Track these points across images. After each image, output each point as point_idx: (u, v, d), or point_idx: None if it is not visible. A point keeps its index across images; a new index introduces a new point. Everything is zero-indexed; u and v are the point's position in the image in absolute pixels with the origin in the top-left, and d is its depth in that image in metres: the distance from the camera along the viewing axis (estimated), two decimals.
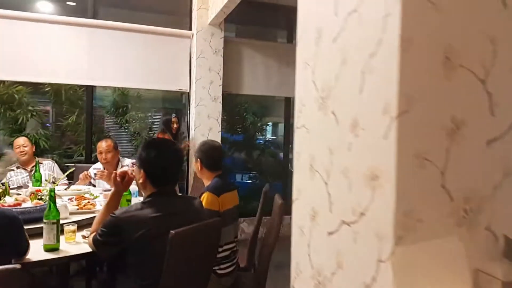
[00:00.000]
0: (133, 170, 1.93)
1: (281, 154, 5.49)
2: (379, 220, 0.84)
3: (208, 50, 4.61)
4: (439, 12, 0.80)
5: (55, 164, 3.83)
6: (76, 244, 1.96)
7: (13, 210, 1.97)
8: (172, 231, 1.54)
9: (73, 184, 3.45)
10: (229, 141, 5.54)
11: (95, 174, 3.63)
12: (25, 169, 3.65)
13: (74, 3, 4.75)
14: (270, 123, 6.15)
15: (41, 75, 4.19)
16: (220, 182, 2.37)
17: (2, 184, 2.21)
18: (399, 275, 0.80)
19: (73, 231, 1.97)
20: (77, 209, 2.35)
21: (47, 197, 2.26)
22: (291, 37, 5.26)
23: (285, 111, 5.30)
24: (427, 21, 0.80)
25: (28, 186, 3.13)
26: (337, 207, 1.01)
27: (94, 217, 2.34)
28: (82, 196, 2.70)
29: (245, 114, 5.56)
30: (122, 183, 1.91)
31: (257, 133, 5.77)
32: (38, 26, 4.09)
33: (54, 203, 1.83)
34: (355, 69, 0.93)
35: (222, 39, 4.66)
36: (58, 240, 1.83)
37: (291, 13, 5.23)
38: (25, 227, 1.84)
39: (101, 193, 3.17)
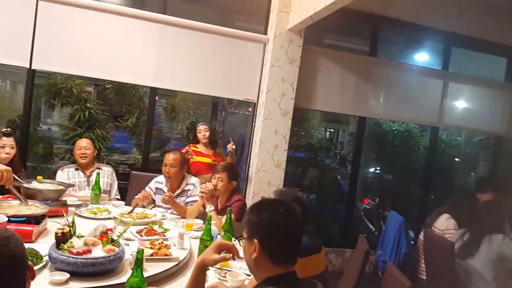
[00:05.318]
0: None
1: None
2: None
3: (283, 58, 4.15)
4: None
5: (113, 172, 3.48)
6: None
7: (82, 261, 1.58)
8: None
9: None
10: (291, 158, 5.05)
11: (156, 188, 3.27)
12: (84, 173, 3.33)
13: None
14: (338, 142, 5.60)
15: (105, 71, 3.85)
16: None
17: (68, 224, 1.81)
18: None
19: None
20: (151, 254, 1.92)
21: (118, 236, 1.87)
22: (374, 50, 4.69)
23: (358, 130, 4.76)
24: None
25: (87, 205, 2.77)
26: None
27: (170, 269, 1.91)
28: (152, 229, 2.28)
29: (312, 131, 5.05)
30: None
31: (323, 152, 5.21)
32: (103, 17, 3.75)
33: (141, 268, 1.41)
34: None
35: (301, 47, 4.18)
36: None
37: (377, 22, 4.67)
38: (93, 285, 1.46)
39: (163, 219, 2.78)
